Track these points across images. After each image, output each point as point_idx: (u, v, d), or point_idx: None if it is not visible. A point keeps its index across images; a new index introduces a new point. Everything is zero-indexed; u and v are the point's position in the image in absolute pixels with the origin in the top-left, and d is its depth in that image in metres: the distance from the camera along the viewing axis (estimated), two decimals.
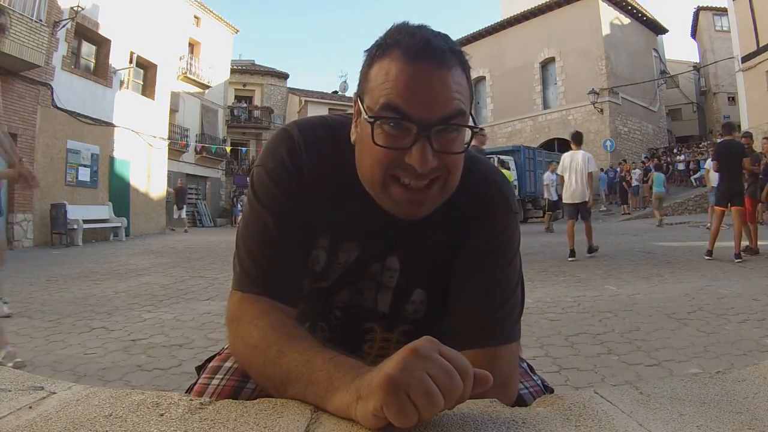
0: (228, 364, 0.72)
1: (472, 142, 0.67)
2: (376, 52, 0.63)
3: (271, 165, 0.70)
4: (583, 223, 6.41)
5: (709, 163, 8.61)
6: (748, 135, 7.32)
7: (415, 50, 0.60)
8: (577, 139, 6.46)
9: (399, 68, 0.60)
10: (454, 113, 0.61)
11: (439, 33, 0.64)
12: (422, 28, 0.63)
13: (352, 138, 0.68)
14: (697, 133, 25.84)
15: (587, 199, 6.26)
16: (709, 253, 5.76)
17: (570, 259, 6.15)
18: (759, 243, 6.06)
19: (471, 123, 0.63)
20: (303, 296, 0.72)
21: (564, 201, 6.61)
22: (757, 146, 7.97)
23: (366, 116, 0.62)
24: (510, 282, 0.69)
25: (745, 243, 6.13)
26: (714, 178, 6.88)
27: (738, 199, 5.80)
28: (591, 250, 6.43)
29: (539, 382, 0.78)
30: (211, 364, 0.75)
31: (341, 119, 0.73)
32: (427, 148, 0.60)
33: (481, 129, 3.92)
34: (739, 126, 15.97)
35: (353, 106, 0.68)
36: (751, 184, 6.15)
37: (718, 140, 6.18)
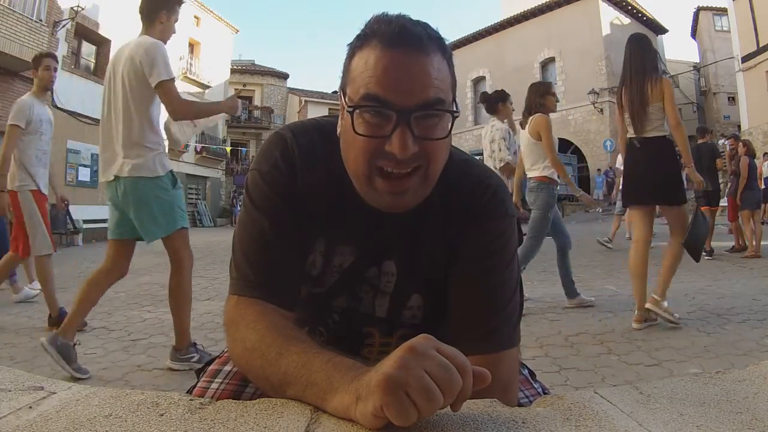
0: (227, 367, 0.72)
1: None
2: (356, 44, 0.64)
3: (265, 168, 0.70)
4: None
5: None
6: (734, 137, 7.41)
7: (391, 37, 0.60)
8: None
9: (377, 56, 0.60)
10: (433, 99, 0.60)
11: (418, 21, 0.64)
12: (400, 17, 0.63)
13: (338, 131, 0.68)
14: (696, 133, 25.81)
15: None
16: (710, 253, 5.77)
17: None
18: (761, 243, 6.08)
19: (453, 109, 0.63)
20: (301, 301, 0.71)
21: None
22: (757, 146, 7.99)
23: (346, 107, 0.62)
24: (508, 287, 0.69)
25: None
26: None
27: (713, 199, 5.96)
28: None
29: (540, 389, 0.78)
30: (210, 368, 0.74)
31: (334, 121, 0.72)
32: (407, 135, 0.59)
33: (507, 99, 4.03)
34: (740, 126, 16.01)
35: (339, 100, 0.68)
36: (732, 184, 6.23)
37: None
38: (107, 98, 2.42)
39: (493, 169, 3.94)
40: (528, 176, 3.64)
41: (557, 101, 3.71)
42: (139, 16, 2.43)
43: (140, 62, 2.24)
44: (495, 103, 3.93)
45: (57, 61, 3.47)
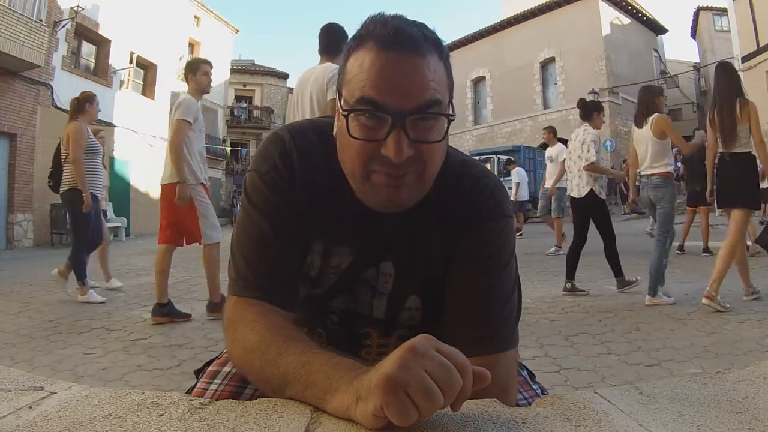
0: (226, 368, 0.72)
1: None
2: (352, 45, 0.63)
3: (263, 169, 0.70)
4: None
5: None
6: None
7: (386, 39, 0.60)
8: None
9: (372, 59, 0.60)
10: (429, 102, 0.60)
11: (414, 21, 0.63)
12: (396, 18, 0.63)
13: (334, 131, 0.68)
14: None
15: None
16: (681, 248, 6.12)
17: None
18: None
19: (449, 112, 0.62)
20: (300, 302, 0.71)
21: None
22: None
23: (341, 109, 0.62)
24: (505, 288, 0.68)
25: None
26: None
27: (704, 199, 6.10)
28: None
29: (539, 390, 0.78)
30: (209, 369, 0.74)
31: (332, 122, 0.72)
32: (402, 138, 0.59)
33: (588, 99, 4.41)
34: None
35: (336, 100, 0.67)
36: None
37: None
38: (293, 116, 2.90)
39: (579, 168, 4.14)
40: (649, 173, 3.80)
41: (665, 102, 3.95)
42: (320, 50, 2.91)
43: (325, 81, 2.72)
44: (591, 111, 4.32)
45: (212, 66, 3.71)
